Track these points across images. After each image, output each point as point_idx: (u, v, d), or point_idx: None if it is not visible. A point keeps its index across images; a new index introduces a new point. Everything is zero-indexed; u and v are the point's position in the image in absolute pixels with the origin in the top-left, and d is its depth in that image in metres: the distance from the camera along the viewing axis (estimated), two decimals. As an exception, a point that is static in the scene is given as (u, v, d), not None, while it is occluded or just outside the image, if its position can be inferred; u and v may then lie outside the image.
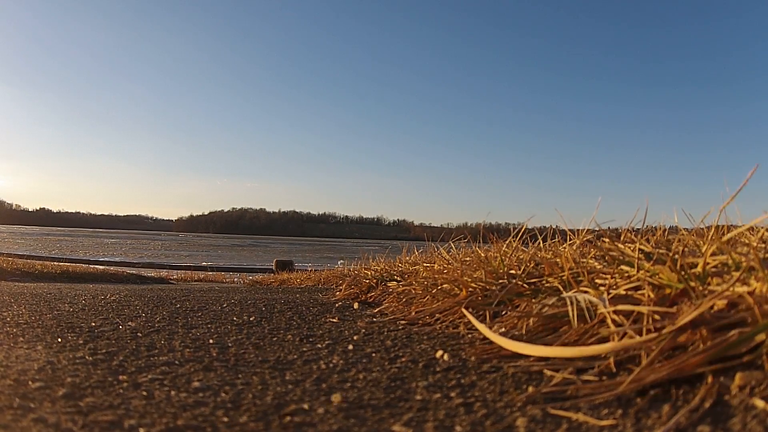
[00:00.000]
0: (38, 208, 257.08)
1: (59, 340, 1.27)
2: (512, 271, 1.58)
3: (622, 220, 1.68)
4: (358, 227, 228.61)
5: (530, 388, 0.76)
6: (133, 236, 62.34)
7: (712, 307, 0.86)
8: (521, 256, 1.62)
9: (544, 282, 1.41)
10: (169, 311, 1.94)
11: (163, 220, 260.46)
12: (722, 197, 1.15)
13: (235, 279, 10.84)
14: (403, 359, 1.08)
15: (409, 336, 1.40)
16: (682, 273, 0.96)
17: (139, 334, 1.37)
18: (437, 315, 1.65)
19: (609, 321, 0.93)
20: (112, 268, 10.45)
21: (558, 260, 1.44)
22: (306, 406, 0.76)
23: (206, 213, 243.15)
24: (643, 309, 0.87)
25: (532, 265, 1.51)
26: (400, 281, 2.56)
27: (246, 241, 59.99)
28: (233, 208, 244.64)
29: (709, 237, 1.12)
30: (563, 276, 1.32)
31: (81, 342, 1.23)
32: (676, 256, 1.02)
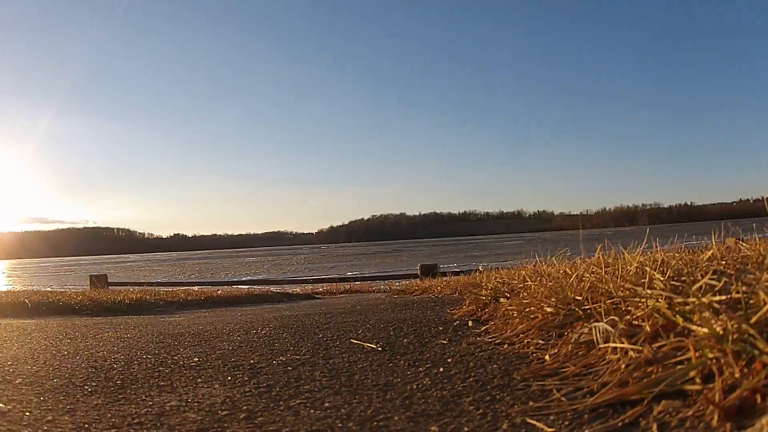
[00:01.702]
0: (172, 235, 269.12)
1: (229, 378, 1.82)
2: (577, 297, 1.89)
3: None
4: (499, 223, 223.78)
5: (531, 403, 1.15)
6: (273, 253, 65.84)
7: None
8: (583, 284, 1.92)
9: (596, 307, 1.72)
10: (312, 342, 2.51)
11: (304, 234, 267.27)
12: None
13: (381, 286, 11.23)
14: (471, 379, 1.50)
15: (490, 357, 1.80)
16: (670, 309, 1.25)
17: (289, 368, 1.93)
18: (521, 335, 2.02)
19: (609, 351, 1.26)
20: (256, 288, 10.23)
21: (607, 287, 1.73)
22: (390, 416, 1.22)
23: (346, 223, 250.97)
24: (625, 346, 1.20)
25: (589, 292, 1.82)
26: (509, 297, 2.92)
27: (390, 247, 61.46)
28: (373, 216, 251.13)
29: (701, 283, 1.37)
30: (608, 302, 1.63)
31: (246, 378, 1.80)
32: (671, 292, 1.31)
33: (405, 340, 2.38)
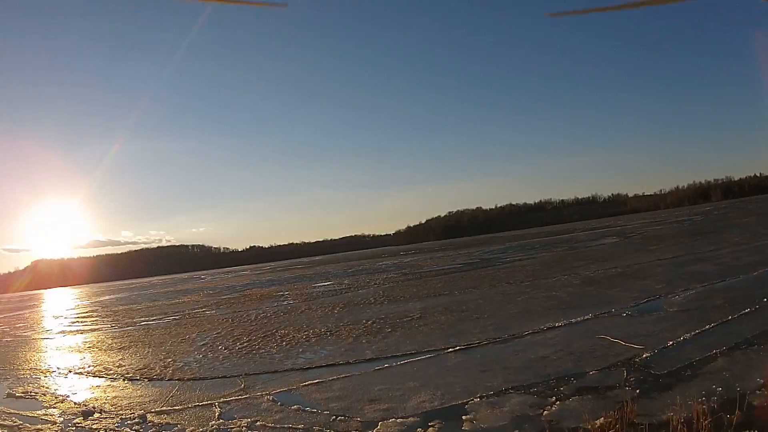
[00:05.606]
0: (248, 247, 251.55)
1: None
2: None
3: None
4: (575, 209, 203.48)
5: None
6: (349, 268, 53.40)
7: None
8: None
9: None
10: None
11: (381, 236, 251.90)
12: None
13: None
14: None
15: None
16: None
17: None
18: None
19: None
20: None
21: None
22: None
23: (423, 222, 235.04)
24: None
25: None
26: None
27: (474, 254, 47.59)
28: (450, 212, 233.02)
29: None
30: None
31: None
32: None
33: None
